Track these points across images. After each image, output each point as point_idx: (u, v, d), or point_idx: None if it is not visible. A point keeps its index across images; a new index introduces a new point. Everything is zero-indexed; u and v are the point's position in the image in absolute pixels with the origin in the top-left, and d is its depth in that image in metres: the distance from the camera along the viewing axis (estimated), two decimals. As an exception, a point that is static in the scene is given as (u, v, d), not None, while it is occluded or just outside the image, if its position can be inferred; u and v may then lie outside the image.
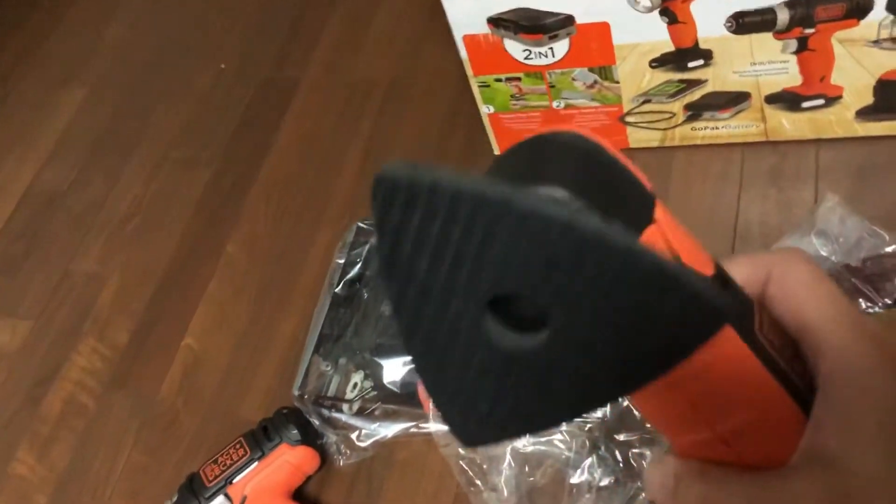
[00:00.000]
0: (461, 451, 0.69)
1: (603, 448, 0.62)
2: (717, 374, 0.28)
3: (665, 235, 0.29)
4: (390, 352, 0.72)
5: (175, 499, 0.73)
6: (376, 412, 0.75)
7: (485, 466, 0.68)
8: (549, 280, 0.25)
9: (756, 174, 0.82)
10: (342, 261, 0.79)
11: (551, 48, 0.78)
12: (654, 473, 0.31)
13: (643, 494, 0.61)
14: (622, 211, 0.27)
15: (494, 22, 0.76)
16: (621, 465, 0.61)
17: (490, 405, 0.28)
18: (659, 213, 0.28)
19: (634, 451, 0.62)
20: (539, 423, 0.30)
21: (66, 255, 1.00)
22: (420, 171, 0.24)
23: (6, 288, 1.00)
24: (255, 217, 0.97)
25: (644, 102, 0.83)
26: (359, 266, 0.79)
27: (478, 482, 0.68)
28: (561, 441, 0.64)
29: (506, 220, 0.24)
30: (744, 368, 0.29)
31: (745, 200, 0.80)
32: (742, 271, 0.30)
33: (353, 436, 0.74)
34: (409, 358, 0.71)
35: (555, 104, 0.85)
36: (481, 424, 0.29)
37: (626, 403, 0.64)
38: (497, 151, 0.91)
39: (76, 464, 0.84)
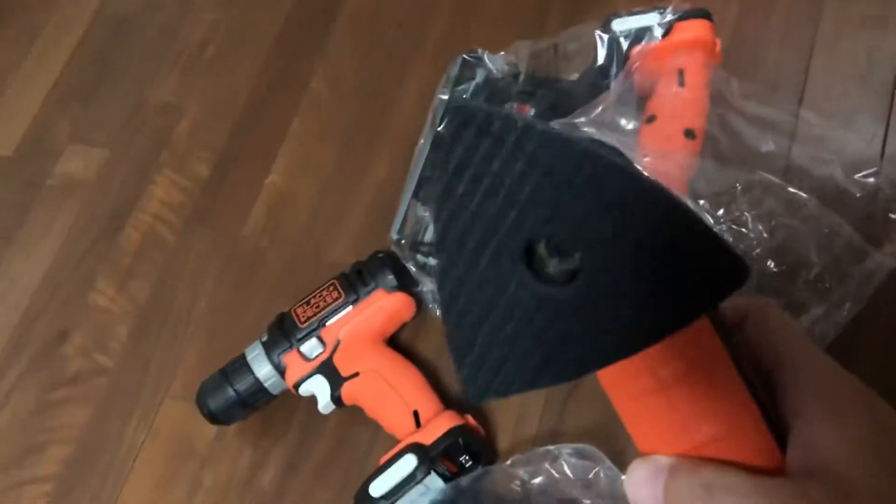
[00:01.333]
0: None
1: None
2: (703, 381, 0.30)
3: None
4: (499, 198, 0.66)
5: (265, 338, 0.70)
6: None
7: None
8: (598, 222, 0.27)
9: (924, 20, 0.72)
10: (446, 97, 0.72)
11: None
12: (642, 467, 0.31)
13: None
14: None
15: None
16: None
17: (505, 352, 0.29)
18: None
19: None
20: (544, 379, 0.30)
21: (140, 82, 0.95)
22: (494, 108, 0.27)
23: (79, 114, 0.95)
24: (342, 50, 0.89)
25: (799, -70, 0.72)
26: (465, 103, 0.72)
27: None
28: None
29: (565, 160, 0.26)
30: (726, 380, 0.30)
31: (909, 50, 0.71)
32: (729, 307, 0.33)
33: (452, 286, 0.70)
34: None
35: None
36: (490, 374, 0.29)
37: (770, 265, 0.58)
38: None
39: (157, 297, 0.82)
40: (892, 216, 0.58)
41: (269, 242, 0.81)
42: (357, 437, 0.69)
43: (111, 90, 0.95)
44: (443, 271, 0.29)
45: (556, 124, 0.64)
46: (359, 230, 0.80)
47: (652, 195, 0.26)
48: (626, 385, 0.31)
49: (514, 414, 0.67)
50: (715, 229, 0.28)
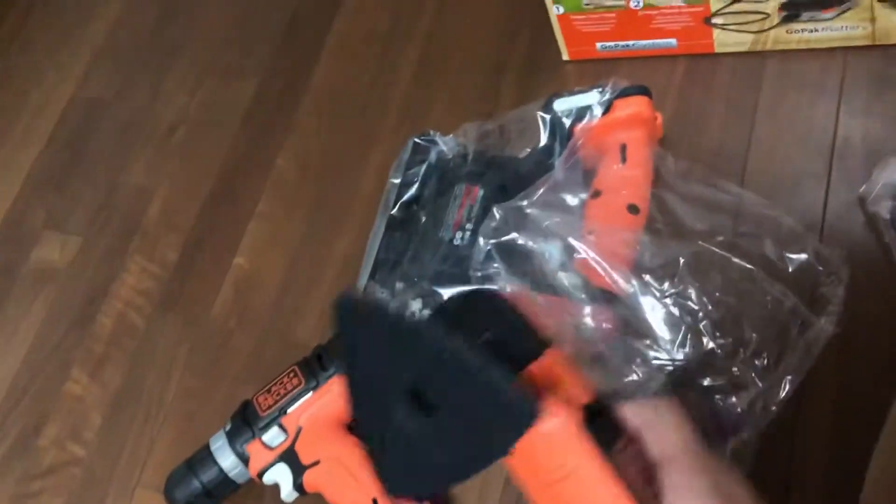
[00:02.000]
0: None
1: (679, 393, 0.57)
2: (584, 479, 0.39)
3: (548, 370, 0.42)
4: (451, 280, 0.67)
5: (228, 427, 0.71)
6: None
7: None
8: (438, 382, 0.39)
9: (859, 83, 0.73)
10: (398, 180, 0.73)
11: (630, -61, 0.69)
12: None
13: (728, 446, 0.56)
14: (514, 348, 0.42)
15: None
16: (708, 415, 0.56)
17: (400, 465, 0.42)
18: (551, 354, 0.43)
19: (718, 397, 0.56)
20: (427, 486, 0.44)
21: (113, 166, 0.97)
22: (370, 301, 0.45)
23: (54, 202, 0.97)
24: (306, 130, 0.91)
25: (734, 2, 0.73)
26: (416, 187, 0.73)
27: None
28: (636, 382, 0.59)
29: (416, 340, 0.40)
30: (604, 479, 0.39)
31: (846, 113, 0.72)
32: (629, 412, 0.42)
33: (411, 365, 0.71)
34: (472, 288, 0.67)
35: (632, 4, 0.76)
36: (396, 478, 0.43)
37: (710, 345, 0.59)
38: (566, 57, 0.83)
39: (128, 384, 0.83)
40: (823, 290, 0.59)
41: (237, 324, 0.82)
42: (321, 523, 0.70)
43: (85, 175, 0.97)
44: (355, 411, 0.45)
45: (501, 208, 0.65)
46: (325, 308, 0.81)
47: (472, 367, 0.37)
48: (522, 481, 0.41)
49: (475, 494, 0.68)
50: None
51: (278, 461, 0.68)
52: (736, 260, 0.63)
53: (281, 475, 0.68)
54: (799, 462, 0.61)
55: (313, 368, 0.70)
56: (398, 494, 0.43)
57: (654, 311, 0.62)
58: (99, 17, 1.09)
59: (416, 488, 0.43)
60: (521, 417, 0.37)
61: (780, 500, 0.61)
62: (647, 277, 0.64)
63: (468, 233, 0.68)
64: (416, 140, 0.75)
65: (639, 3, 0.75)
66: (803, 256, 0.59)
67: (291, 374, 0.70)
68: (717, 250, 0.64)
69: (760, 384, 0.57)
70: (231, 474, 0.69)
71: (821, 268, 0.59)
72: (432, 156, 0.74)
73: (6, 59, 1.10)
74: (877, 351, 0.63)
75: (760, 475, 0.58)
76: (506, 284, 0.65)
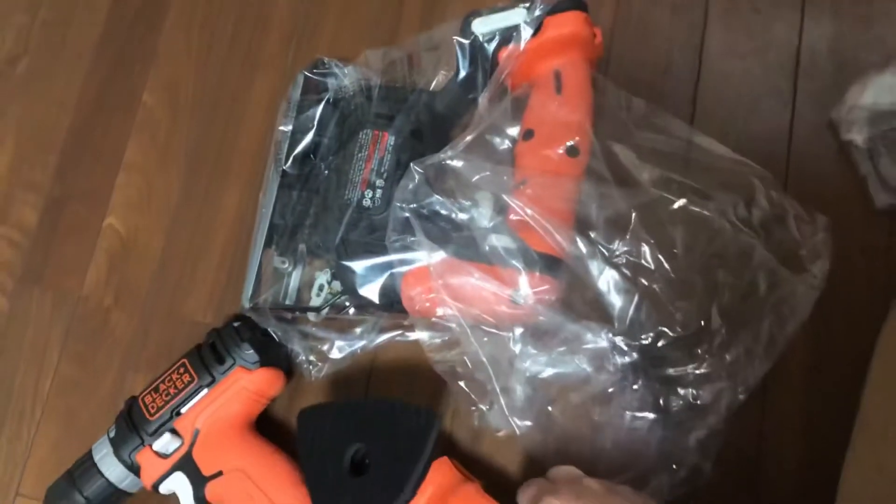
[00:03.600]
0: (458, 369, 0.56)
1: (641, 381, 0.49)
2: None
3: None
4: (362, 250, 0.56)
5: (113, 433, 0.60)
6: (349, 317, 0.60)
7: (489, 387, 0.55)
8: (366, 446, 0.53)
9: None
10: (289, 127, 0.60)
11: None
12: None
13: (693, 435, 0.49)
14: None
15: None
16: (662, 405, 0.48)
17: None
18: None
19: (681, 390, 0.48)
20: None
21: (-54, 110, 0.80)
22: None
23: None
24: (175, 55, 0.76)
25: None
26: (312, 133, 0.60)
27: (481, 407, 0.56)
28: (592, 365, 0.51)
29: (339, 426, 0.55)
30: None
31: (811, 19, 0.61)
32: (528, 491, 0.49)
33: (325, 347, 0.61)
34: (387, 258, 0.56)
35: None
36: None
37: (668, 314, 0.50)
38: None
39: (-3, 376, 0.71)
40: (803, 252, 0.50)
41: (115, 300, 0.70)
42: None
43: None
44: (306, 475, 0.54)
45: (420, 166, 0.54)
46: (215, 276, 0.69)
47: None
48: None
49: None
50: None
51: (174, 471, 0.58)
52: (696, 209, 0.54)
53: (179, 486, 0.58)
54: (770, 442, 0.55)
55: (207, 362, 0.59)
56: None
57: (604, 277, 0.53)
58: None
59: None
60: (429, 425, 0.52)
61: (749, 481, 0.55)
62: (594, 235, 0.55)
63: (379, 191, 0.57)
64: (308, 74, 0.62)
65: None
66: (778, 218, 0.50)
67: (182, 370, 0.59)
68: (671, 197, 0.55)
69: (728, 378, 0.48)
70: (121, 486, 0.59)
71: (800, 237, 0.50)
72: (330, 93, 0.61)
73: None
74: (853, 305, 0.56)
75: (729, 458, 0.51)
76: (427, 255, 0.54)
